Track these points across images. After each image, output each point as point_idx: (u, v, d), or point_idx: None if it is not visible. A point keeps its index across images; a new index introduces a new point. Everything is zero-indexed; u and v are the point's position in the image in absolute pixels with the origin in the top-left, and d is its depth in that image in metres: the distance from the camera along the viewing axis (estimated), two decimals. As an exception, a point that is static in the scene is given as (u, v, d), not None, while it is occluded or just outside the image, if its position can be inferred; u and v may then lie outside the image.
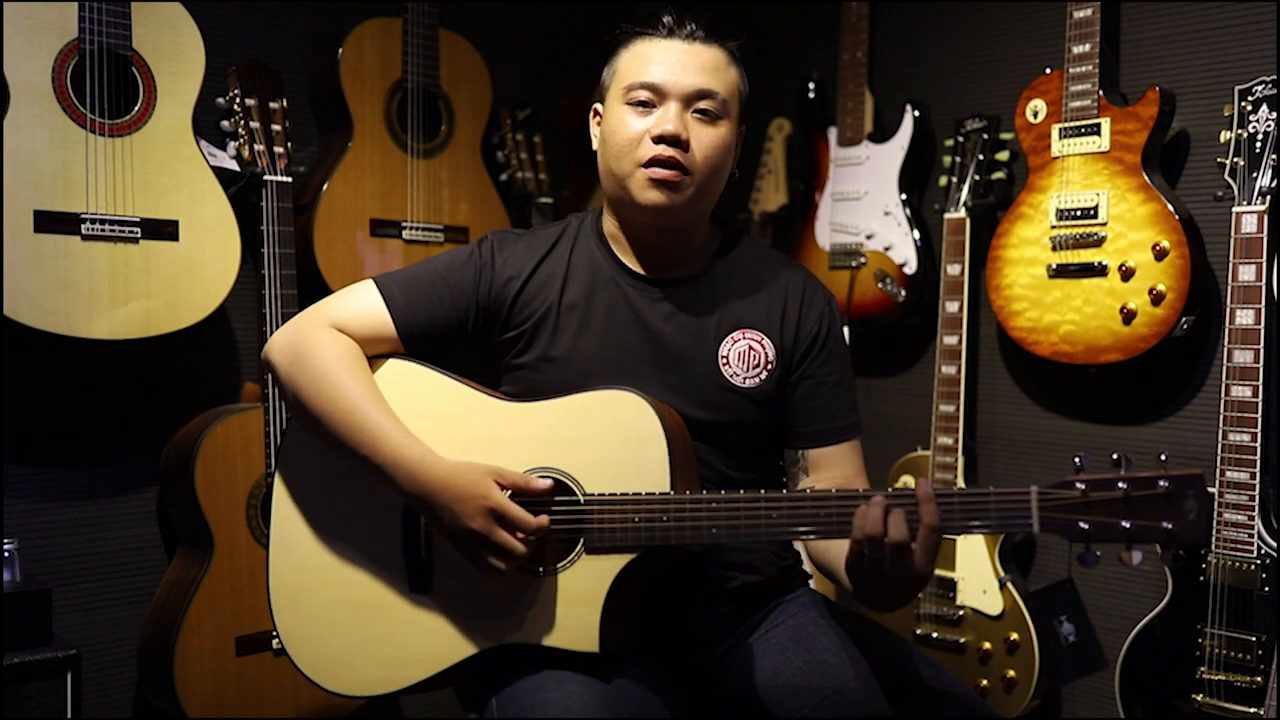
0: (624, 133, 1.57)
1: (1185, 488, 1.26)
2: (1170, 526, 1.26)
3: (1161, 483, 1.27)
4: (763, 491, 1.42)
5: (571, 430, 1.51)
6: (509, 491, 1.45)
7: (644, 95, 1.56)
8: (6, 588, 2.02)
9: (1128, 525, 1.27)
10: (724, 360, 1.61)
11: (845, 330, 2.79)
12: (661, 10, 1.60)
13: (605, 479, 1.47)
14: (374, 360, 1.60)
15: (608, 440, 1.49)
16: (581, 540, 1.47)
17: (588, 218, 1.70)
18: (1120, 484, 1.28)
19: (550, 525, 1.46)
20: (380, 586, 1.56)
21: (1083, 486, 1.29)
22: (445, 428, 1.52)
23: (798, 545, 1.86)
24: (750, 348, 1.62)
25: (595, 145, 1.66)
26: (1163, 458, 1.30)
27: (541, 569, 1.49)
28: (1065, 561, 2.56)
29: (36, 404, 2.21)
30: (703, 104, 1.57)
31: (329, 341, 1.56)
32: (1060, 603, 1.81)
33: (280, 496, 1.63)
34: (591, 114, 1.69)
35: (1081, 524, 1.29)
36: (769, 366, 1.63)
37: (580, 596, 1.46)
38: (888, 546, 1.32)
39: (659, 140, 1.54)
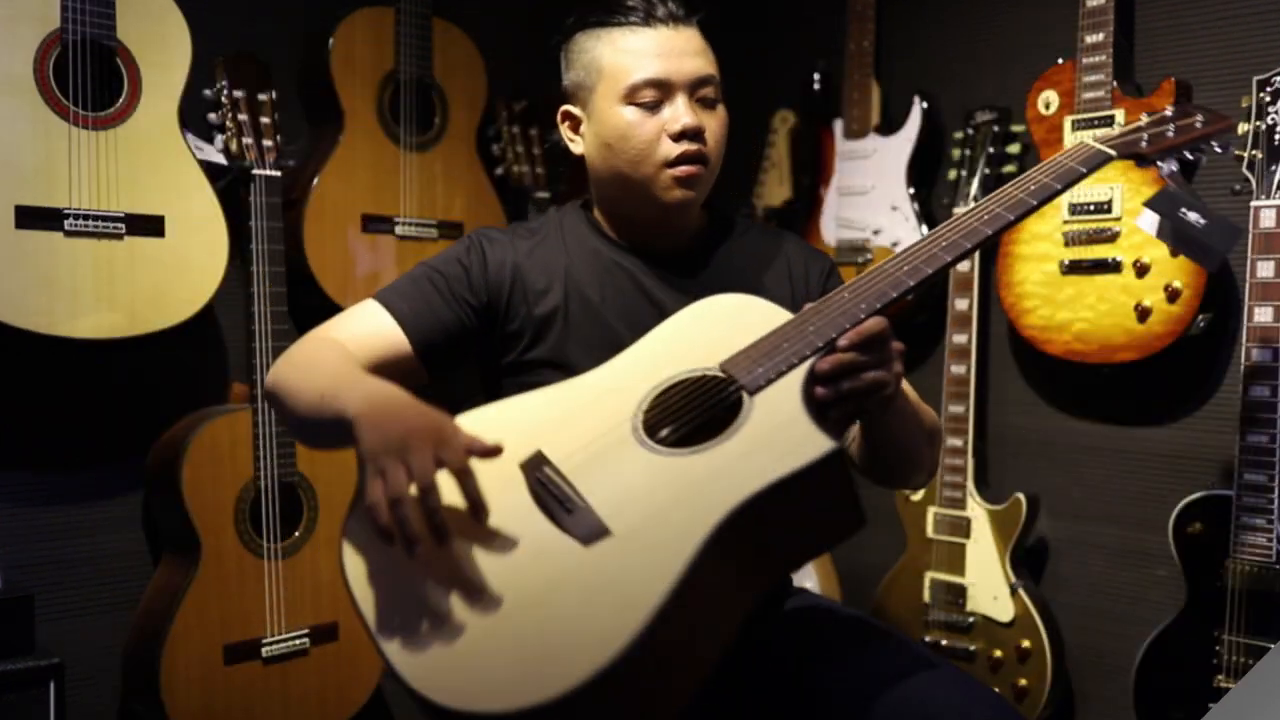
0: (641, 135, 1.50)
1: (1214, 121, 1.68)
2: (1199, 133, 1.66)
3: (1199, 119, 1.67)
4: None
5: (667, 350, 1.41)
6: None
7: (651, 95, 1.50)
8: (-13, 594, 2.00)
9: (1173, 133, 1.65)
10: None
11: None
12: None
13: (726, 353, 1.36)
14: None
15: (706, 330, 1.41)
16: (742, 390, 1.31)
17: (569, 211, 1.65)
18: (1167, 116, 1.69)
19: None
20: (550, 564, 1.21)
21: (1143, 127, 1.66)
22: (564, 435, 1.33)
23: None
24: None
25: (578, 151, 1.59)
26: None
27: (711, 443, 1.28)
28: (1079, 569, 2.51)
29: (18, 405, 2.18)
30: (704, 90, 1.53)
31: (320, 341, 1.47)
32: (1173, 200, 1.72)
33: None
34: (561, 118, 1.61)
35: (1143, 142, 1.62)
36: None
37: (782, 421, 1.27)
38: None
39: (680, 137, 1.50)
